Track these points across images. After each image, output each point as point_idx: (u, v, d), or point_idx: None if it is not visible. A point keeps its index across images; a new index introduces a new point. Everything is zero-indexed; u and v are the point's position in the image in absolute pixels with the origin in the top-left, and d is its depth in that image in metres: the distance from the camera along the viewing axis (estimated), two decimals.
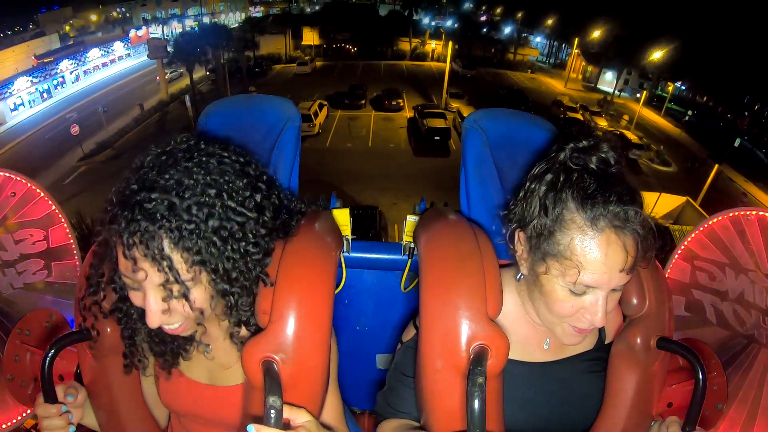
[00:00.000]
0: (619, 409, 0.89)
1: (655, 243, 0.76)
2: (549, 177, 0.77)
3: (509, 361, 0.79)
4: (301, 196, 1.02)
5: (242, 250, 0.76)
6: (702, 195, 14.55)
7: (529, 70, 36.06)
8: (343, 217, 1.21)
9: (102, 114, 19.17)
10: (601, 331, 0.95)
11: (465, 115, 19.82)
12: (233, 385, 0.89)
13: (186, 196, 0.70)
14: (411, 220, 1.23)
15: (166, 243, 0.69)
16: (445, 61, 25.99)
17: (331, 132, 20.49)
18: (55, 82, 25.01)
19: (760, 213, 1.03)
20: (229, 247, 0.74)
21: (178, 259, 0.70)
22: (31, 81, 23.18)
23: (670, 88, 27.07)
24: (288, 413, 0.71)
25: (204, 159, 0.75)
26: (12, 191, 1.13)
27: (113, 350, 0.88)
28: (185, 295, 0.73)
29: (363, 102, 24.22)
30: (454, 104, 22.92)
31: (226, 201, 0.74)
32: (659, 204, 12.96)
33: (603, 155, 0.76)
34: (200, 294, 0.75)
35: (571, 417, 0.91)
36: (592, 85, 32.50)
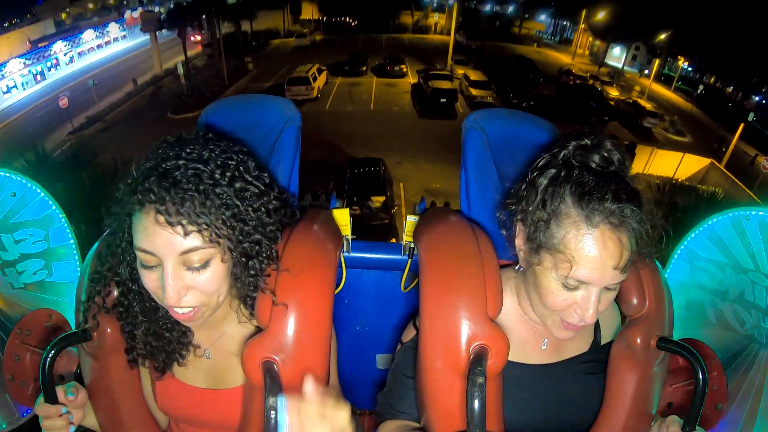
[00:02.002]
0: (620, 409, 0.89)
1: (655, 241, 0.76)
2: (551, 172, 0.78)
3: (507, 362, 0.79)
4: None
5: (261, 219, 0.79)
6: (727, 157, 14.34)
7: (536, 44, 34.86)
8: (343, 217, 1.21)
9: (93, 88, 18.68)
10: (597, 332, 0.95)
11: (472, 78, 18.99)
12: (232, 388, 0.88)
13: (210, 164, 0.74)
14: (411, 220, 1.23)
15: (198, 206, 0.71)
16: (448, 35, 25.12)
17: (330, 96, 19.69)
18: (48, 64, 24.28)
19: (760, 213, 1.03)
20: (251, 212, 0.77)
21: (211, 219, 0.72)
22: (24, 63, 22.52)
23: (680, 62, 26.58)
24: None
25: (216, 143, 0.79)
26: (12, 191, 1.13)
27: (114, 351, 0.88)
28: (215, 257, 0.74)
29: (364, 68, 23.22)
30: (460, 70, 21.73)
31: (243, 174, 0.78)
32: (683, 166, 12.87)
33: (605, 153, 0.76)
34: (224, 258, 0.76)
35: (569, 419, 0.91)
36: (600, 60, 31.50)
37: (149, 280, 0.75)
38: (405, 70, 23.01)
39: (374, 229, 8.46)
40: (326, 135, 14.35)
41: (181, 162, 0.72)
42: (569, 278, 0.75)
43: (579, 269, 0.73)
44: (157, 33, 22.96)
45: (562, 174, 0.76)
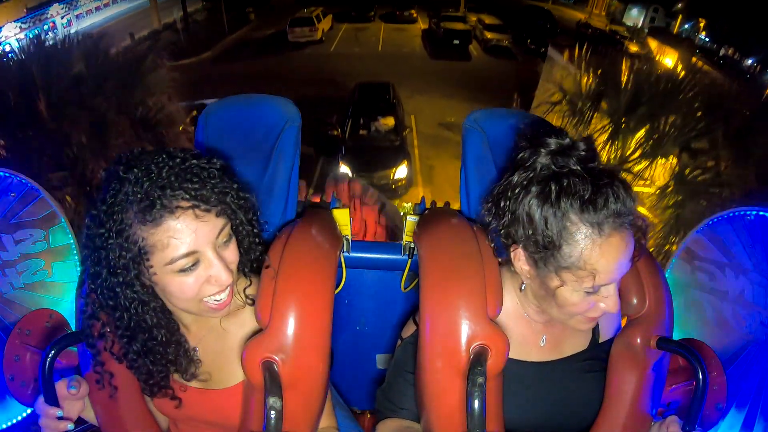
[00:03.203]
0: (619, 409, 0.89)
1: (645, 221, 0.78)
2: (536, 188, 0.75)
3: (507, 360, 0.79)
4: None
5: (239, 192, 0.83)
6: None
7: (550, 1, 32.30)
8: (343, 217, 1.21)
9: None
10: (595, 330, 0.95)
11: (487, 21, 17.84)
12: (228, 388, 0.88)
13: (194, 158, 0.77)
14: (411, 220, 1.23)
15: (218, 185, 0.77)
16: None
17: (336, 40, 18.63)
18: (45, 27, 22.98)
19: (760, 213, 1.03)
20: (235, 185, 0.82)
21: (223, 197, 0.78)
22: (20, 27, 21.33)
23: (701, 25, 25.44)
24: None
25: (175, 148, 0.81)
26: (12, 191, 1.13)
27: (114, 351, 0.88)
28: (233, 228, 0.81)
29: (372, 14, 22.23)
30: (473, 17, 20.26)
31: (213, 160, 0.82)
32: None
33: (583, 152, 0.75)
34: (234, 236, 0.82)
35: (569, 417, 0.91)
36: (617, 20, 29.46)
37: (185, 284, 0.76)
38: (415, 15, 22.06)
39: (383, 150, 7.44)
40: (331, 73, 13.49)
41: (178, 160, 0.75)
42: (593, 287, 0.75)
43: (602, 277, 0.74)
44: None
45: (553, 187, 0.73)
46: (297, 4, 26.34)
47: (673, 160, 3.44)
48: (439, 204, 1.27)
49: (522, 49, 17.53)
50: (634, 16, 29.67)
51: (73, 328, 1.05)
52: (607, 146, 3.73)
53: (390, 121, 8.01)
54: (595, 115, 3.90)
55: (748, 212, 1.06)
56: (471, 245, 0.86)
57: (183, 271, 0.75)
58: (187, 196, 0.73)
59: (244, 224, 0.85)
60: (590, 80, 4.05)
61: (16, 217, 1.14)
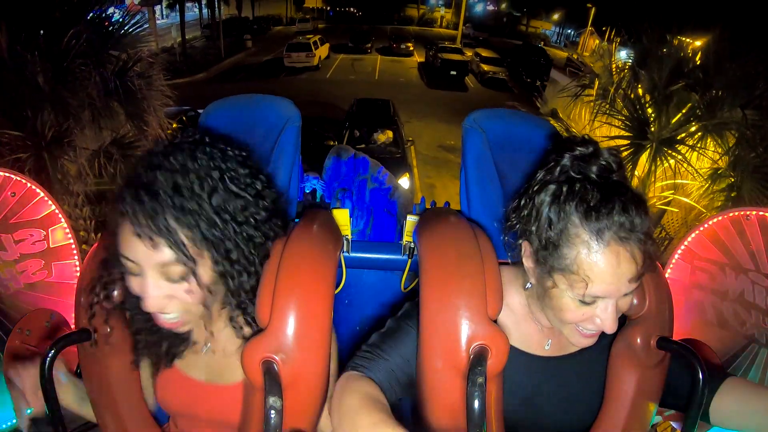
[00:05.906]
0: (619, 409, 0.89)
1: (657, 248, 0.76)
2: (552, 188, 0.76)
3: (511, 348, 0.79)
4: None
5: (244, 233, 0.78)
6: None
7: (542, 42, 33.77)
8: (343, 217, 1.21)
9: None
10: None
11: (484, 54, 18.27)
12: (232, 384, 0.88)
13: (190, 177, 0.72)
14: (411, 220, 1.23)
15: (171, 220, 0.70)
16: (454, 29, 24.84)
17: (332, 68, 18.76)
18: None
19: (760, 213, 1.03)
20: (231, 228, 0.76)
21: (183, 235, 0.72)
22: None
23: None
24: None
25: (209, 149, 0.77)
26: (12, 191, 1.13)
27: (114, 351, 0.88)
28: (194, 272, 0.73)
29: (368, 46, 22.50)
30: (469, 52, 20.56)
31: (228, 184, 0.77)
32: None
33: (604, 163, 0.74)
34: (204, 273, 0.76)
35: (570, 415, 0.91)
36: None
37: (134, 284, 0.75)
38: (411, 48, 22.23)
39: (384, 162, 6.94)
40: (327, 97, 13.61)
41: (160, 173, 0.71)
42: (586, 296, 0.74)
43: (595, 286, 0.73)
44: (159, 20, 22.60)
45: (564, 189, 0.74)
46: (295, 36, 26.73)
47: (728, 136, 3.23)
48: (439, 205, 1.27)
49: (518, 83, 17.69)
50: (623, 59, 30.61)
51: (73, 328, 1.05)
52: (652, 125, 3.51)
53: (389, 135, 7.99)
54: (631, 94, 3.66)
55: (748, 212, 1.06)
56: (471, 245, 0.86)
57: (128, 272, 0.74)
58: (126, 209, 0.69)
59: (220, 277, 0.77)
60: (622, 65, 3.93)
61: (16, 217, 1.14)
